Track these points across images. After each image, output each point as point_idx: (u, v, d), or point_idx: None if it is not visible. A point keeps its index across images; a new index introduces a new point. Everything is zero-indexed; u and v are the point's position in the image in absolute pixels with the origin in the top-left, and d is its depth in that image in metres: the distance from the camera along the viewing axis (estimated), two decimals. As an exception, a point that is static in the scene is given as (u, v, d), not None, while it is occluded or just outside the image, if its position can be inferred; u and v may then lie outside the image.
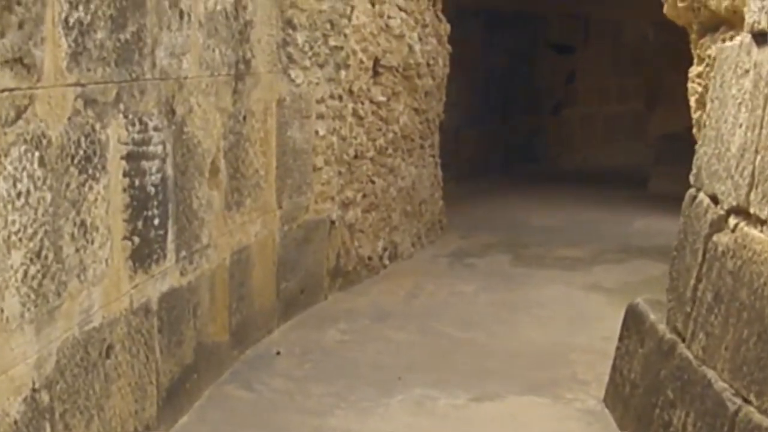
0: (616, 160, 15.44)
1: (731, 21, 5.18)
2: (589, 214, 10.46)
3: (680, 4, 6.02)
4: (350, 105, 6.93)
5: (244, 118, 5.43)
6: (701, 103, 6.00)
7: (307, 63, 6.26)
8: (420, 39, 8.10)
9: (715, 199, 3.88)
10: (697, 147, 4.51)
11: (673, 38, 16.17)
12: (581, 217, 10.28)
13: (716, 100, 4.09)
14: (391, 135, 7.68)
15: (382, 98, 7.47)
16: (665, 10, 6.29)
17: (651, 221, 10.02)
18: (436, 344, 5.91)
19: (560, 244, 8.85)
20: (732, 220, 3.65)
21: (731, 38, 5.19)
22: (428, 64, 8.31)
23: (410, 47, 7.84)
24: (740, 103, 3.74)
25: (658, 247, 8.51)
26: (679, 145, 12.35)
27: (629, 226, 9.82)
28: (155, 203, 4.29)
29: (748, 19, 3.77)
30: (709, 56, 5.72)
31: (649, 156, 15.96)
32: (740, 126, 3.70)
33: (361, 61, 7.05)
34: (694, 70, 6.11)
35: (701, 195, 4.10)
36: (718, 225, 3.81)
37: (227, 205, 5.25)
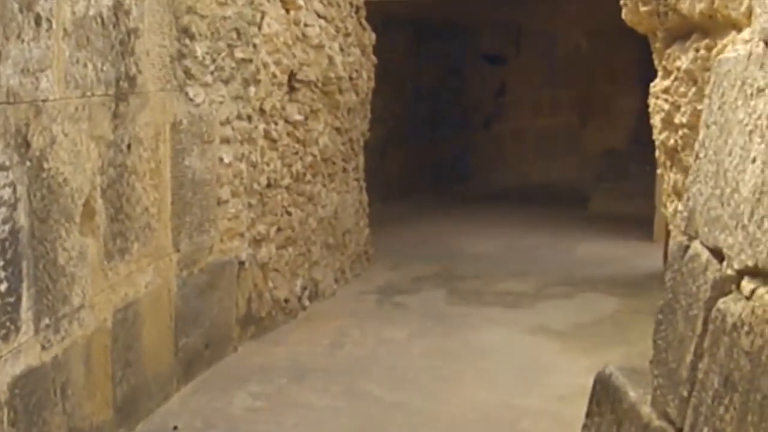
0: (550, 176, 14.74)
1: (706, 27, 4.38)
2: (528, 239, 9.63)
3: (642, 9, 5.19)
4: (261, 126, 6.01)
5: (129, 146, 4.49)
6: (669, 123, 5.18)
7: (209, 78, 5.32)
8: (342, 50, 7.21)
9: (718, 254, 3.02)
10: (687, 183, 3.66)
11: (607, 48, 15.61)
12: (520, 243, 9.44)
13: (714, 125, 3.24)
14: (309, 159, 6.76)
15: (298, 117, 6.56)
16: (624, 15, 5.46)
17: (595, 246, 9.24)
18: (364, 412, 4.99)
19: (499, 275, 8.00)
20: (747, 284, 2.79)
21: (707, 48, 4.38)
22: (351, 78, 7.41)
23: (330, 59, 6.94)
24: (752, 131, 2.89)
25: (607, 279, 7.74)
26: (620, 162, 11.65)
27: (572, 253, 9.00)
28: (1, 263, 3.33)
29: (761, 23, 2.92)
30: (678, 68, 4.91)
31: (583, 170, 15.33)
32: (753, 161, 2.85)
33: (274, 75, 6.13)
34: (658, 85, 5.27)
35: (697, 246, 3.24)
36: (724, 288, 2.96)
37: (107, 255, 4.30)
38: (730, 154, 3.04)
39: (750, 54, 2.99)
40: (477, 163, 13.97)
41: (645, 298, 7.12)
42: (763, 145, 2.81)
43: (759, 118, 2.85)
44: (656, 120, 5.32)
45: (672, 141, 5.13)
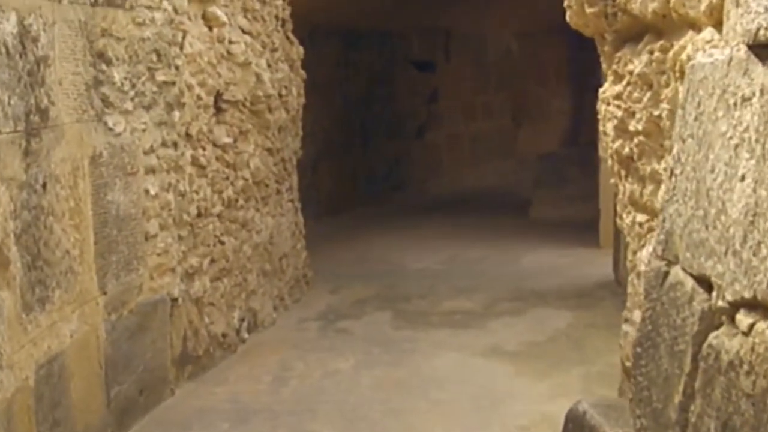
0: (487, 181, 14.51)
1: (660, 28, 4.11)
2: (471, 251, 9.33)
3: (589, 10, 4.91)
4: (188, 152, 5.63)
5: (44, 186, 4.09)
6: (622, 130, 4.90)
7: (129, 105, 4.94)
8: (269, 66, 6.84)
9: (705, 283, 2.73)
10: (662, 202, 3.37)
11: (538, 50, 15.41)
12: (464, 256, 9.14)
13: (691, 139, 2.94)
14: (241, 183, 6.39)
15: (227, 140, 6.19)
16: (569, 18, 5.18)
17: (540, 255, 8.97)
18: (314, 457, 4.64)
19: (445, 292, 7.69)
20: (743, 318, 2.49)
21: (662, 49, 4.10)
22: (280, 95, 7.05)
23: (258, 76, 6.57)
24: (737, 146, 2.60)
25: (556, 290, 7.48)
26: (559, 166, 11.42)
27: (518, 264, 8.72)
28: None
29: (744, 24, 2.62)
30: (630, 72, 4.63)
31: (519, 174, 15.10)
32: (742, 178, 2.55)
33: (199, 97, 5.76)
34: (609, 90, 4.99)
35: (679, 273, 2.94)
36: (715, 320, 2.67)
37: (26, 307, 3.90)
38: (712, 171, 2.74)
39: (730, 59, 2.69)
40: (412, 172, 13.68)
41: (598, 310, 6.87)
42: (753, 161, 2.51)
43: (746, 130, 2.56)
44: (608, 127, 5.04)
45: (627, 149, 4.85)
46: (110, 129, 4.76)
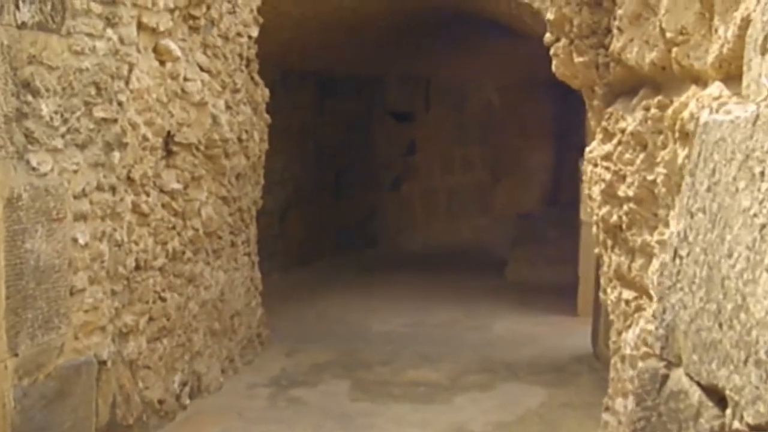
0: (461, 237, 14.02)
1: (658, 81, 3.59)
2: (440, 314, 8.76)
3: (578, 60, 4.40)
4: (129, 198, 5.07)
5: (-59, 231, 3.52)
6: (611, 195, 4.37)
7: (59, 143, 4.38)
8: (229, 108, 6.31)
9: (716, 396, 2.18)
10: (658, 289, 2.83)
11: (520, 103, 14.96)
12: (432, 320, 8.57)
13: (702, 213, 2.40)
14: (190, 233, 5.83)
15: (176, 186, 5.64)
16: (555, 67, 4.66)
17: (513, 322, 8.43)
18: None
19: (409, 360, 7.11)
20: (770, 449, 1.94)
21: (660, 106, 3.57)
22: (240, 140, 6.51)
23: (215, 118, 6.04)
24: (765, 225, 2.06)
25: (529, 363, 6.92)
26: (537, 226, 10.90)
27: (489, 331, 8.16)
28: None
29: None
30: (622, 131, 4.11)
31: (495, 232, 14.59)
32: (769, 269, 2.01)
33: (145, 138, 5.21)
34: (597, 150, 4.46)
35: (682, 380, 2.39)
36: (729, 444, 2.11)
37: None
38: (730, 256, 2.20)
39: (756, 117, 2.16)
40: (384, 225, 13.16)
41: (574, 387, 6.32)
42: (785, 248, 1.98)
43: (776, 208, 2.02)
44: (594, 191, 4.51)
45: (615, 217, 4.32)
46: (33, 168, 4.20)
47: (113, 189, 4.88)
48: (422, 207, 13.96)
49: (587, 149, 4.68)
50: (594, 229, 4.68)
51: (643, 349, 3.99)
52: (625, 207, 4.19)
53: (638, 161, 3.97)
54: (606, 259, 4.51)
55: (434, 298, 9.44)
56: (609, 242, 4.50)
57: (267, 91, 7.10)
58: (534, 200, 15.27)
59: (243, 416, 5.77)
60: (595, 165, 4.45)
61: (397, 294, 9.71)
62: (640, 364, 3.76)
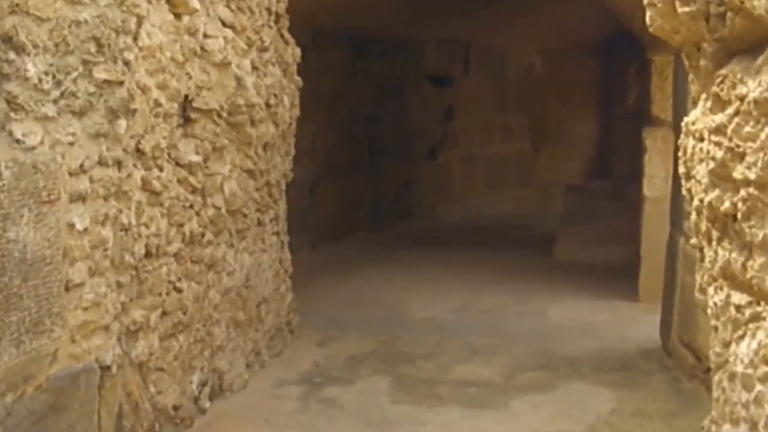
0: (501, 209, 13.29)
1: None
2: (486, 298, 8.00)
3: (683, 9, 3.58)
4: (138, 174, 4.33)
5: None
6: (723, 178, 3.55)
7: (50, 110, 3.62)
8: (255, 69, 5.55)
9: None
10: None
11: (563, 69, 14.12)
12: (477, 304, 7.81)
13: None
14: (210, 212, 5.09)
15: (195, 158, 4.90)
16: (650, 20, 3.81)
17: (570, 308, 7.65)
18: None
19: (457, 353, 6.37)
20: None
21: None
22: (268, 105, 5.75)
23: (239, 80, 5.28)
24: None
25: (592, 358, 6.17)
26: (589, 201, 10.08)
27: (543, 319, 7.39)
28: None
29: None
30: (742, 98, 3.30)
31: (537, 204, 13.84)
32: None
33: (158, 103, 4.46)
34: (703, 120, 3.66)
35: None
36: None
37: None
38: None
39: None
40: (421, 197, 12.41)
41: (646, 390, 5.56)
42: None
43: None
44: (699, 171, 3.71)
45: (727, 204, 3.49)
46: (18, 141, 3.45)
47: (119, 163, 4.13)
48: (461, 177, 13.20)
49: (687, 120, 3.88)
50: (694, 215, 3.89)
51: (764, 368, 3.22)
52: (743, 192, 3.37)
53: (763, 136, 3.15)
54: (709, 253, 3.73)
55: (477, 279, 8.68)
56: (715, 233, 3.71)
57: (298, 51, 6.34)
58: (577, 171, 14.48)
59: (270, 422, 5.04)
60: (700, 139, 3.65)
61: (437, 273, 8.96)
62: (759, 387, 2.97)
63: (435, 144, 12.65)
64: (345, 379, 5.79)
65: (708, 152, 3.57)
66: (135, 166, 4.31)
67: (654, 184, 7.60)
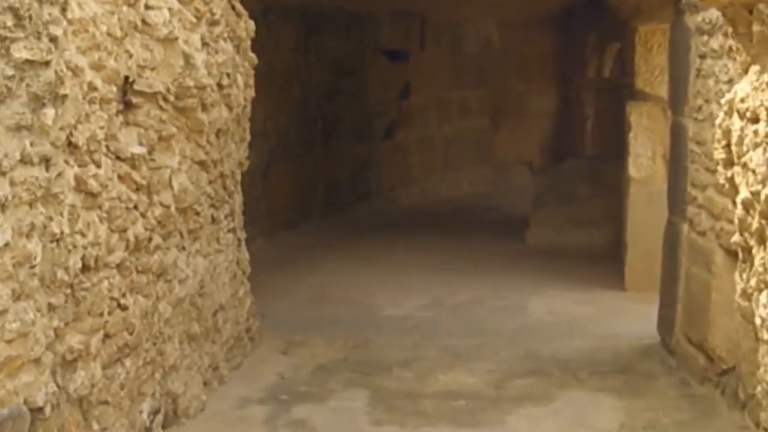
0: (460, 190, 12.73)
1: None
2: (460, 290, 7.37)
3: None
4: (71, 172, 3.62)
5: None
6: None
7: (-45, 98, 2.91)
8: (205, 45, 4.84)
9: None
10: None
11: (522, 43, 13.50)
12: (451, 298, 7.18)
13: None
14: (158, 212, 4.39)
15: (139, 150, 4.19)
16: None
17: (550, 300, 7.07)
18: None
19: (437, 358, 5.74)
20: None
21: None
22: (220, 86, 5.05)
23: (188, 59, 4.57)
24: None
25: (587, 359, 5.59)
26: (562, 183, 9.45)
27: (524, 313, 6.78)
28: None
29: None
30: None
31: (496, 184, 13.30)
32: None
33: (93, 87, 3.75)
34: (759, 97, 3.05)
35: None
36: None
37: None
38: None
39: None
40: (379, 178, 11.75)
41: (655, 398, 4.97)
42: None
43: None
44: (754, 159, 3.10)
45: None
46: None
47: (46, 161, 3.41)
48: (418, 157, 12.56)
49: (731, 97, 3.26)
50: (739, 210, 3.27)
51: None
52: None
53: None
54: (761, 254, 3.12)
55: (447, 269, 8.05)
56: (765, 233, 3.09)
57: (252, 24, 5.64)
58: (536, 148, 13.95)
59: (235, 453, 4.37)
60: (753, 120, 3.02)
61: (404, 263, 8.32)
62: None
63: (392, 123, 12.00)
64: (315, 395, 5.11)
65: (766, 135, 2.93)
66: (67, 162, 3.60)
67: (640, 164, 7.01)
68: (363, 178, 11.45)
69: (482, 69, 13.51)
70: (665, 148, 6.78)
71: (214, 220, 5.16)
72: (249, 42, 5.63)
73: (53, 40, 3.43)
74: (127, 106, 4.17)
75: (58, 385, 3.56)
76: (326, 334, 6.20)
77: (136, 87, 4.19)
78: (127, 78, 4.12)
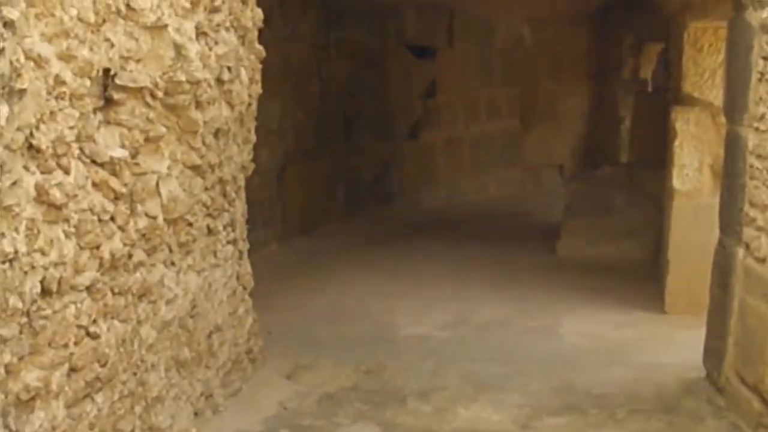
0: (488, 193, 12.18)
1: None
2: (484, 308, 6.79)
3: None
4: (31, 180, 3.07)
5: None
6: None
7: None
8: (202, 34, 4.28)
9: None
10: None
11: (554, 40, 12.89)
12: (476, 317, 6.60)
13: None
14: (141, 225, 3.84)
15: (120, 153, 3.63)
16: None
17: (585, 322, 6.48)
18: None
19: (458, 388, 5.15)
20: None
21: None
22: (220, 81, 4.49)
23: (179, 49, 4.01)
24: None
25: (624, 394, 5.02)
26: (597, 191, 8.81)
27: (556, 336, 6.18)
28: None
29: None
30: None
31: (525, 186, 12.75)
32: None
33: (60, 81, 3.20)
34: None
35: None
36: None
37: None
38: None
39: None
40: (402, 180, 11.19)
41: (704, 444, 4.34)
42: None
43: None
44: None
45: None
46: None
47: (-2, 167, 2.88)
48: (444, 159, 11.98)
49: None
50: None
51: None
52: None
53: None
54: None
55: (472, 282, 7.47)
56: None
57: (260, 12, 5.07)
58: (568, 151, 13.36)
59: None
60: None
61: (426, 274, 7.75)
62: None
63: (417, 122, 11.42)
64: (320, 430, 4.55)
65: None
66: (26, 169, 3.06)
67: (686, 176, 6.40)
68: (385, 180, 10.89)
69: (512, 67, 12.90)
70: (714, 159, 6.18)
71: (210, 231, 4.60)
72: (256, 32, 5.06)
73: (8, 24, 2.89)
74: (108, 102, 3.62)
75: (10, 430, 3.01)
76: (337, 355, 5.65)
77: (118, 81, 3.64)
78: (107, 71, 3.57)
